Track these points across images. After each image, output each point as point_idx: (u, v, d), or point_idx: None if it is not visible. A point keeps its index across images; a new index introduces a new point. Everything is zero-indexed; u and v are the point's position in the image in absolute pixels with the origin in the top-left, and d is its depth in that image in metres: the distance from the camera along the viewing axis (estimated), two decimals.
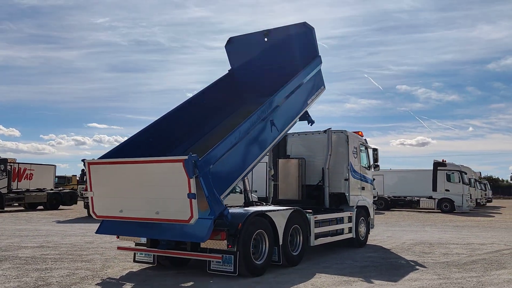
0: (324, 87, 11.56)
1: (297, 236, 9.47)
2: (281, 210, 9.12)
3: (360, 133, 13.01)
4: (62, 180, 39.70)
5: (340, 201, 11.90)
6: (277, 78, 10.93)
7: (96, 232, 8.48)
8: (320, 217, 10.33)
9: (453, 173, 30.40)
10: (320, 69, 11.19)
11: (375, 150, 13.43)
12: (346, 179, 11.76)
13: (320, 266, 9.33)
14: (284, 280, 7.94)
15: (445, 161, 31.06)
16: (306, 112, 10.83)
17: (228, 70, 11.85)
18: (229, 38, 11.67)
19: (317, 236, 10.13)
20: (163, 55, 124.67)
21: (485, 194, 42.52)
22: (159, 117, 9.90)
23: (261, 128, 8.88)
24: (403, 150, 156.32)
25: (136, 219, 7.84)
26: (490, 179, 74.49)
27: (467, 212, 30.00)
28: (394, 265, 9.62)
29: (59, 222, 20.25)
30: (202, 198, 7.10)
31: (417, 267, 9.34)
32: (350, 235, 11.69)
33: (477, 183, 38.78)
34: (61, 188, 33.21)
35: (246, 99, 11.61)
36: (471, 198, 31.70)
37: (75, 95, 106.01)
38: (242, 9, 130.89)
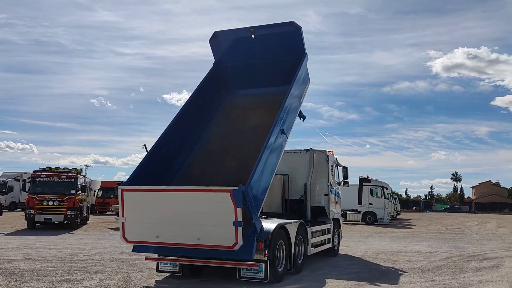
0: (309, 81, 12.11)
1: (301, 246, 10.50)
2: (292, 222, 10.10)
3: (331, 152, 14.41)
4: None
5: (319, 214, 13.12)
6: (261, 72, 11.79)
7: (133, 251, 8.82)
8: (314, 228, 11.50)
9: (376, 188, 33.36)
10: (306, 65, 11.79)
11: (345, 168, 14.92)
12: (326, 194, 13.04)
13: (320, 273, 10.44)
14: (307, 285, 8.92)
15: (369, 177, 33.88)
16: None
17: (212, 64, 12.22)
18: (214, 32, 11.91)
19: (312, 246, 11.25)
20: (66, 57, 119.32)
21: (396, 208, 46.71)
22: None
23: (277, 138, 9.42)
24: None
25: (175, 244, 8.23)
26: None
27: (387, 224, 33.03)
28: (381, 271, 11.02)
29: (4, 234, 19.19)
30: (244, 216, 7.66)
31: (400, 272, 10.82)
32: (329, 245, 12.98)
33: (391, 197, 42.60)
34: None
35: (229, 92, 12.23)
36: (389, 211, 34.91)
37: None
38: (155, 17, 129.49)
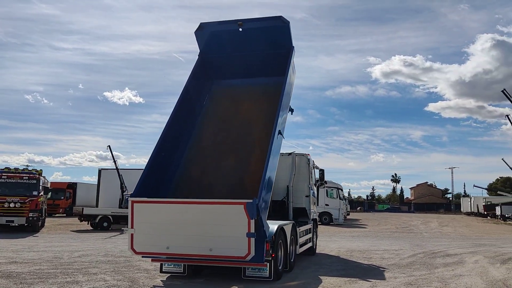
0: (295, 72, 12.34)
1: (293, 246, 11.10)
2: (288, 223, 10.68)
3: (308, 155, 15.16)
4: None
5: (299, 215, 13.80)
6: (248, 64, 12.09)
7: (143, 256, 9.08)
8: (302, 228, 12.16)
9: (332, 189, 34.67)
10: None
11: (321, 170, 15.72)
12: (307, 196, 13.76)
13: (309, 271, 11.09)
14: (304, 282, 9.54)
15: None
16: None
17: (198, 55, 12.35)
18: (200, 24, 11.96)
19: (300, 245, 11.89)
20: None
21: (347, 209, 48.58)
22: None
23: (277, 141, 9.82)
24: None
25: (186, 255, 8.54)
26: None
27: (342, 224, 34.45)
28: (364, 268, 11.84)
29: None
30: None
31: (381, 268, 11.68)
32: (310, 244, 13.69)
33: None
34: None
35: (216, 82, 12.49)
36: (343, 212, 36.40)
37: None
38: (95, 12, 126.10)
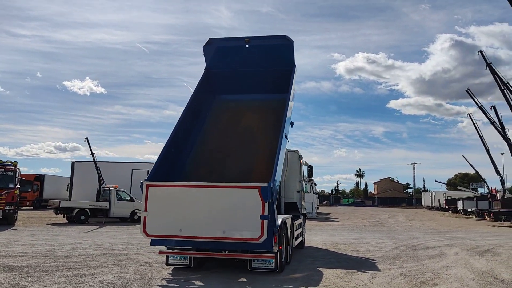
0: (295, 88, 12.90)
1: (291, 239, 11.43)
2: (288, 217, 10.98)
3: (298, 151, 15.53)
4: None
5: (291, 209, 14.16)
6: (251, 80, 12.58)
7: (151, 244, 9.15)
8: (296, 222, 12.49)
9: (306, 184, 35.25)
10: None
11: (310, 166, 16.12)
12: (298, 191, 14.13)
13: (307, 263, 11.46)
14: (307, 274, 9.88)
15: None
16: None
17: (204, 69, 12.81)
18: (209, 39, 12.56)
19: (295, 238, 12.25)
20: None
21: (317, 203, 49.48)
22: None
23: (284, 142, 10.27)
24: None
25: (198, 238, 8.74)
26: None
27: (316, 218, 35.15)
28: (356, 260, 12.31)
29: None
30: None
31: (372, 260, 12.18)
32: (301, 238, 14.07)
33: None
34: None
35: (219, 97, 12.89)
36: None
37: None
38: None
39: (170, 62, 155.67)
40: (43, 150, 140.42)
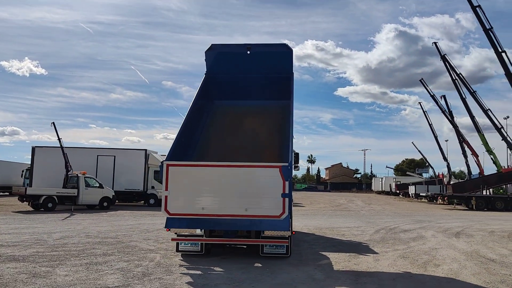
0: None
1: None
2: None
3: None
4: None
5: None
6: (250, 86, 12.83)
7: (166, 227, 9.10)
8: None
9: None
10: None
11: (296, 153, 16.35)
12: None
13: (305, 247, 11.80)
14: (314, 257, 10.21)
15: None
16: None
17: (204, 73, 12.97)
18: (211, 45, 12.79)
19: None
20: None
21: None
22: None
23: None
24: (166, 144, 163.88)
25: (221, 215, 8.94)
26: None
27: None
28: (349, 244, 12.77)
29: None
30: None
31: (364, 244, 12.70)
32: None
33: None
34: None
35: (218, 102, 13.06)
36: None
37: None
38: None
39: (116, 44, 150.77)
40: None
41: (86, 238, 12.59)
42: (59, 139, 24.85)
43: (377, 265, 9.45)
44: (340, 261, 9.83)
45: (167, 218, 9.12)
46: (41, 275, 7.64)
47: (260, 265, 9.09)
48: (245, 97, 12.94)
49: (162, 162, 9.04)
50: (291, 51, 12.75)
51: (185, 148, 10.92)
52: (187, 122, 10.89)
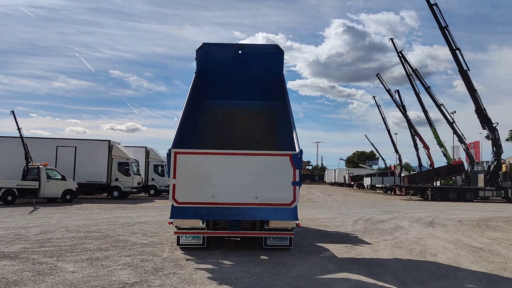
0: None
1: None
2: None
3: None
4: None
5: None
6: (238, 86, 12.65)
7: (171, 218, 8.81)
8: None
9: None
10: None
11: None
12: None
13: (298, 239, 11.79)
14: (314, 249, 10.24)
15: None
16: None
17: (194, 72, 12.61)
18: (202, 44, 12.51)
19: None
20: None
21: None
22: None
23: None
24: (113, 135, 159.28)
25: (231, 204, 8.80)
26: None
27: None
28: (337, 235, 12.90)
29: None
30: None
31: (351, 234, 12.89)
32: None
33: None
34: None
35: (208, 101, 12.73)
36: None
37: None
38: None
39: (60, 30, 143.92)
40: None
41: (68, 232, 12.00)
42: (18, 128, 23.51)
43: (378, 254, 9.62)
44: (341, 252, 9.91)
45: (172, 207, 8.85)
46: (45, 273, 7.17)
47: (266, 257, 8.99)
48: (235, 97, 12.69)
49: (169, 150, 8.72)
50: (283, 52, 12.71)
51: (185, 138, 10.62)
52: (187, 110, 10.61)
